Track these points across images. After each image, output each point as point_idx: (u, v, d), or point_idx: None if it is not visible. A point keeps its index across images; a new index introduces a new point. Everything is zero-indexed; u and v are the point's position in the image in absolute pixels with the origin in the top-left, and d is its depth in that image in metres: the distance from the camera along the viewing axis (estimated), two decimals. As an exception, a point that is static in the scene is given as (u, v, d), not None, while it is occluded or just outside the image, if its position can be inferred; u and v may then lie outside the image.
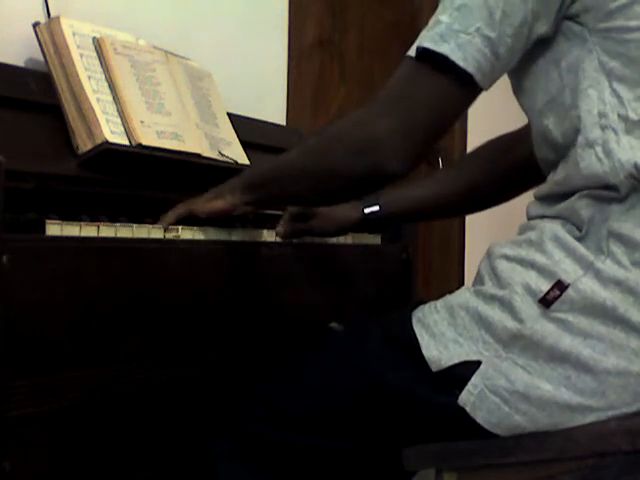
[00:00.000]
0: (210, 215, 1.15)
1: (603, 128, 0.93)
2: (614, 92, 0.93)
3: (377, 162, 0.97)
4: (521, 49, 0.96)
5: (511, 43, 0.93)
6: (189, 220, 1.17)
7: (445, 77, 0.94)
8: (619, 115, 0.93)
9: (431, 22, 0.96)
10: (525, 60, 0.99)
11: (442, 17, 0.94)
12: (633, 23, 0.92)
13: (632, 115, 0.93)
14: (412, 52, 0.96)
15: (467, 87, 0.95)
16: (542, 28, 0.95)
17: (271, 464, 1.06)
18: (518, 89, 1.04)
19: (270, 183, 1.13)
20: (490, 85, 0.96)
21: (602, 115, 0.93)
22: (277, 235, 1.29)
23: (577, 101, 0.95)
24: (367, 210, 1.32)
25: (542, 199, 1.02)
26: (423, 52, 0.94)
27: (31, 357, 0.94)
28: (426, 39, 0.94)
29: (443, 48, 0.92)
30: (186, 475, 1.12)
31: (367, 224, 1.34)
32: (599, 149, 0.93)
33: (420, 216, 1.40)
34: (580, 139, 0.94)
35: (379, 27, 2.39)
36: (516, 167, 1.25)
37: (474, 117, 2.69)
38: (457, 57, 0.92)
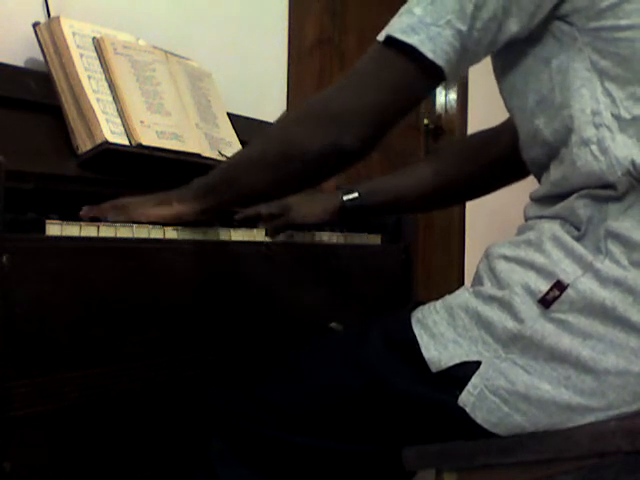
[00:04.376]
0: (151, 221, 1.11)
1: (597, 126, 0.93)
2: (606, 91, 0.93)
3: (334, 140, 0.98)
4: (488, 45, 0.96)
5: (478, 37, 0.94)
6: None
7: (411, 66, 0.95)
8: (612, 114, 0.93)
9: (403, 10, 0.96)
10: (514, 60, 1.00)
11: (415, 9, 0.94)
12: (623, 22, 0.92)
13: (624, 114, 0.93)
14: (381, 38, 0.97)
15: (431, 77, 0.96)
16: (513, 27, 0.95)
17: (270, 464, 1.06)
18: (507, 90, 1.04)
19: (225, 185, 1.10)
20: (455, 77, 0.98)
21: (595, 113, 0.93)
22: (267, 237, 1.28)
23: (569, 100, 0.95)
24: (346, 197, 1.32)
25: (539, 200, 1.02)
26: (393, 40, 0.95)
27: (31, 357, 0.94)
28: (396, 29, 0.95)
29: (413, 39, 0.93)
30: (185, 475, 1.12)
31: (346, 213, 1.34)
32: (594, 147, 0.93)
33: (398, 208, 1.40)
34: (574, 138, 0.95)
35: (379, 27, 2.39)
36: (495, 163, 1.27)
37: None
38: (426, 49, 0.93)
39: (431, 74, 0.95)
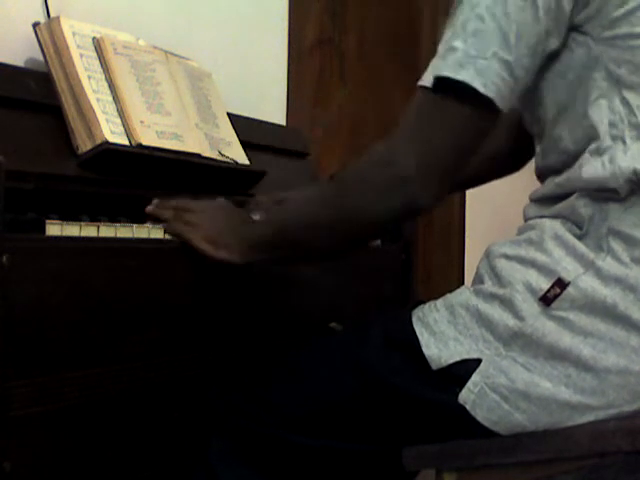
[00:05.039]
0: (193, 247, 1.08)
1: (614, 138, 0.93)
2: (624, 100, 0.93)
3: (409, 200, 0.94)
4: (537, 68, 0.95)
5: (527, 63, 0.93)
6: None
7: (466, 105, 0.92)
8: (630, 123, 0.93)
9: (442, 49, 0.93)
10: None
11: (456, 43, 0.92)
12: (638, 29, 0.92)
13: None
14: (427, 82, 0.93)
15: (488, 112, 0.93)
16: (554, 44, 0.94)
17: (270, 464, 1.06)
18: (524, 102, 1.04)
19: (282, 245, 1.05)
20: (509, 107, 0.94)
21: (612, 125, 0.94)
22: None
23: (588, 111, 0.95)
24: None
25: (539, 201, 1.02)
26: (441, 81, 0.92)
27: (31, 357, 0.94)
28: (443, 67, 0.92)
29: (463, 75, 0.90)
30: (185, 475, 1.12)
31: None
32: (606, 158, 0.93)
33: None
34: (592, 147, 0.95)
35: (379, 27, 2.39)
36: (488, 157, 1.28)
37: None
38: (478, 83, 0.90)
39: (486, 109, 0.92)
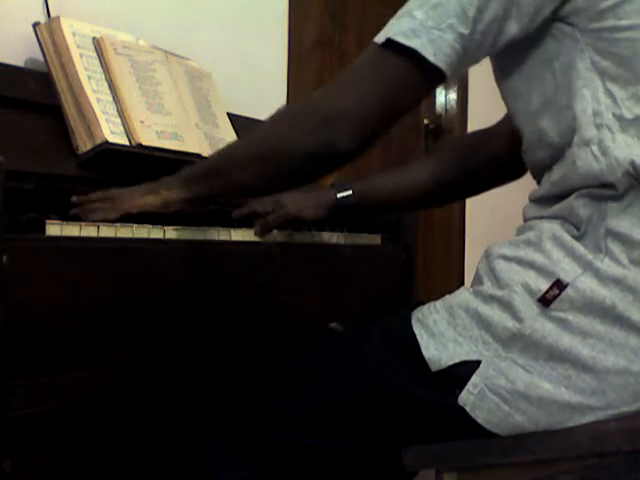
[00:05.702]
0: (140, 211, 1.11)
1: (598, 127, 0.93)
2: (608, 91, 0.94)
3: (328, 140, 0.97)
4: (489, 46, 0.96)
5: (480, 39, 0.94)
6: (190, 218, 1.17)
7: (411, 68, 0.94)
8: (614, 114, 0.93)
9: (402, 13, 0.96)
10: (514, 63, 1.00)
11: (416, 12, 0.94)
12: (624, 22, 0.92)
13: (627, 114, 0.93)
14: (380, 40, 0.96)
15: (431, 80, 0.96)
16: (511, 29, 0.94)
17: (270, 464, 1.06)
18: (509, 93, 1.04)
19: (213, 175, 1.09)
20: (454, 78, 0.97)
21: (597, 114, 0.93)
22: (256, 235, 1.27)
23: (572, 101, 0.95)
24: (339, 195, 1.32)
25: (538, 201, 1.02)
26: (392, 42, 0.94)
27: (31, 357, 0.94)
28: (397, 32, 0.94)
29: (414, 43, 0.92)
30: (185, 475, 1.12)
31: (340, 211, 1.34)
32: (595, 147, 0.93)
33: (392, 207, 1.40)
34: (576, 138, 0.95)
35: (379, 27, 2.39)
36: (489, 163, 1.27)
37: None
38: (427, 52, 0.92)
39: (431, 76, 0.95)
